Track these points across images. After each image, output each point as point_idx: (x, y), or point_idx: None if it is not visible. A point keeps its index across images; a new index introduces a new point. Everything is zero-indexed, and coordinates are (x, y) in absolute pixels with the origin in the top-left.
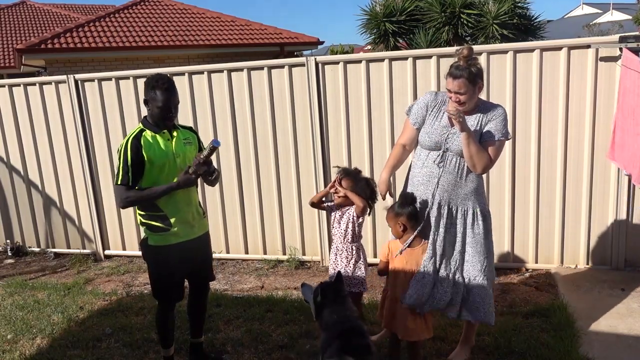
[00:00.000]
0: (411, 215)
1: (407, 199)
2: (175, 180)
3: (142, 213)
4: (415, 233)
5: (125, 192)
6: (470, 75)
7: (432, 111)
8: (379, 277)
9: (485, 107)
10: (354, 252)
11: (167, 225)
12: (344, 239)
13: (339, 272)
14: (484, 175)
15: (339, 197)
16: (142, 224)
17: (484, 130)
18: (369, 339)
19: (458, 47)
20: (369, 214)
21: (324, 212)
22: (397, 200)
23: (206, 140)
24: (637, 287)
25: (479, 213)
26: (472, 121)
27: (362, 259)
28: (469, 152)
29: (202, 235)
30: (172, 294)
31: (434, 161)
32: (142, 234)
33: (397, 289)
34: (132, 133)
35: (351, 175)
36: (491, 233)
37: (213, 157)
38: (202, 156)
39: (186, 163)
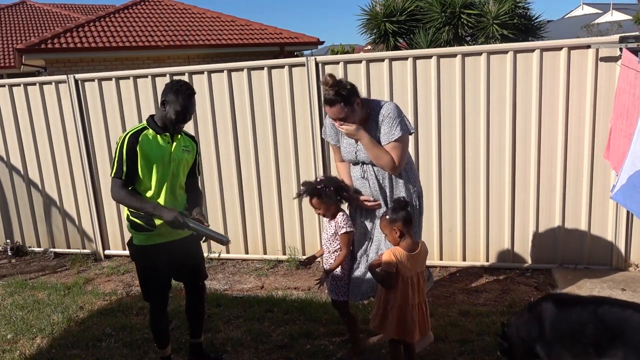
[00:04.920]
0: (406, 219)
1: (400, 203)
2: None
3: (130, 210)
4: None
5: (120, 188)
6: (343, 99)
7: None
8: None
9: (375, 112)
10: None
11: (151, 225)
12: (331, 247)
13: None
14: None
15: (319, 213)
16: (128, 219)
17: (380, 136)
18: None
19: (323, 78)
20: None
21: None
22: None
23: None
24: (637, 287)
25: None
26: (370, 131)
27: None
28: (372, 156)
29: (189, 236)
30: (161, 294)
31: (359, 173)
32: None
33: (410, 297)
34: (133, 129)
35: (314, 191)
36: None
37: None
38: (206, 224)
39: (180, 169)
